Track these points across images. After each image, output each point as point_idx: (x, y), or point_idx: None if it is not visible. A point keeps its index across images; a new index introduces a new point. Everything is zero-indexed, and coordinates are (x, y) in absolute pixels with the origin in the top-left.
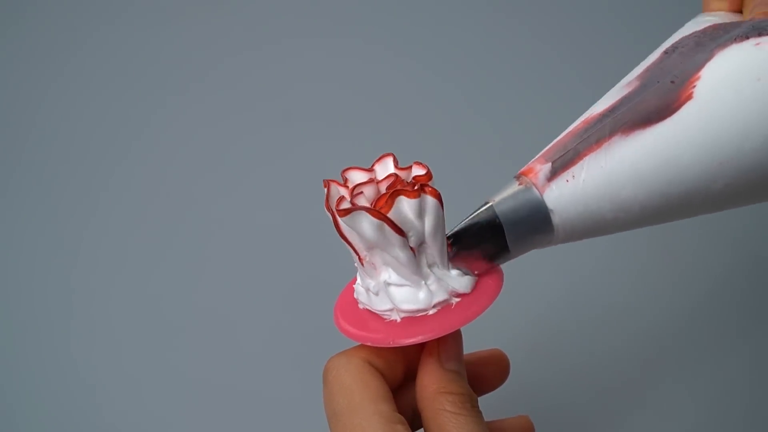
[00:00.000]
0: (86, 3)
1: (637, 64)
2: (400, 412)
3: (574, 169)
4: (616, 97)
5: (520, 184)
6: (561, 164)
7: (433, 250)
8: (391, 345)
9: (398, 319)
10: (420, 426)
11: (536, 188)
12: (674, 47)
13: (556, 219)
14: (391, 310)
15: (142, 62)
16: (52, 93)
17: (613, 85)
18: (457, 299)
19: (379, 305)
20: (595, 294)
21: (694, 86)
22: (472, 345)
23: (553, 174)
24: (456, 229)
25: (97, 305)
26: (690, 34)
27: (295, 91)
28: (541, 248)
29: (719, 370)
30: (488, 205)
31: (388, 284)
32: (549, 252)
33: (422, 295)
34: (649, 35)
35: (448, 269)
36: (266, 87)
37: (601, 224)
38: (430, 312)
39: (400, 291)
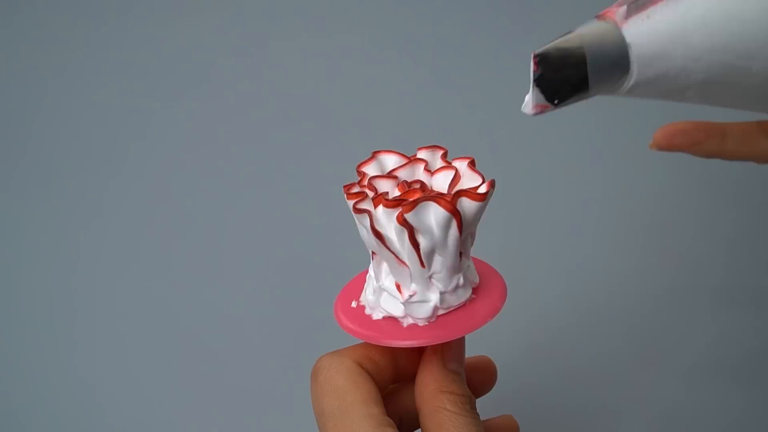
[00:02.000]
0: (86, 3)
1: None
2: (388, 416)
3: (650, 11)
4: None
5: (599, 19)
6: (636, 6)
7: (445, 259)
8: (395, 345)
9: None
10: (407, 429)
11: (617, 24)
12: None
13: (633, 55)
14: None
15: (142, 63)
16: (54, 93)
17: None
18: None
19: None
20: (587, 294)
21: None
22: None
23: (630, 13)
24: (541, 50)
25: (98, 305)
26: None
27: (296, 91)
28: (613, 93)
29: (718, 370)
30: (570, 36)
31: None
32: (545, 251)
33: (432, 302)
34: None
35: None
36: (268, 87)
37: (672, 72)
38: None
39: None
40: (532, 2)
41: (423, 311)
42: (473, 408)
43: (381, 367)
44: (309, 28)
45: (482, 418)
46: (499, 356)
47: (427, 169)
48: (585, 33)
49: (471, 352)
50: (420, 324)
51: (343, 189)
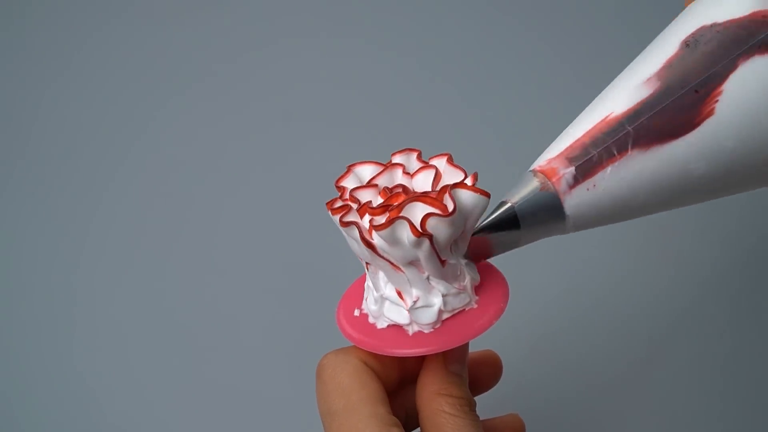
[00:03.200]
0: (86, 3)
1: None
2: (393, 414)
3: (596, 179)
4: (636, 98)
5: (542, 188)
6: (583, 172)
7: (429, 267)
8: (394, 354)
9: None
10: (412, 428)
11: (558, 194)
12: (695, 41)
13: (569, 222)
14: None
15: (142, 62)
16: (53, 93)
17: (606, 82)
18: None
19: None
20: (590, 293)
21: (717, 101)
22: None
23: (576, 182)
24: (475, 230)
25: (99, 306)
26: (710, 25)
27: (295, 90)
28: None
29: (716, 369)
30: (508, 206)
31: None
32: (545, 250)
33: (436, 306)
34: (648, 33)
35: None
36: (267, 87)
37: (609, 222)
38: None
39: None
40: (530, 1)
41: (428, 316)
42: (472, 410)
43: (386, 365)
44: (309, 28)
45: (488, 416)
46: (505, 355)
47: (405, 173)
48: (524, 205)
49: (475, 347)
50: (425, 331)
51: (326, 206)
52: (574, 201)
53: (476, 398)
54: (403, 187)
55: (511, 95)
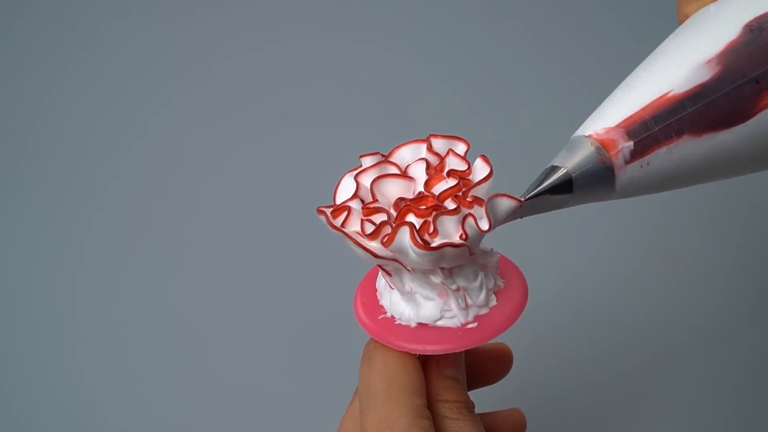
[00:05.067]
0: (87, 4)
1: (634, 62)
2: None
3: (651, 157)
4: (696, 79)
5: (599, 160)
6: (641, 149)
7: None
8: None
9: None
10: None
11: (614, 168)
12: (759, 27)
13: (615, 193)
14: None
15: (143, 63)
16: (55, 94)
17: (608, 84)
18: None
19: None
20: (593, 290)
21: None
22: None
23: (632, 158)
24: (531, 194)
25: (101, 305)
26: None
27: (296, 91)
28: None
29: (718, 368)
30: (564, 172)
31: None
32: (549, 249)
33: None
34: (648, 33)
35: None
36: (268, 88)
37: (649, 194)
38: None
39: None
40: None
41: (482, 297)
42: (471, 412)
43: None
44: (310, 29)
45: (489, 410)
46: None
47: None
48: (581, 176)
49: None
50: (482, 312)
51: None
52: (627, 176)
53: (479, 391)
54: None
55: (510, 95)
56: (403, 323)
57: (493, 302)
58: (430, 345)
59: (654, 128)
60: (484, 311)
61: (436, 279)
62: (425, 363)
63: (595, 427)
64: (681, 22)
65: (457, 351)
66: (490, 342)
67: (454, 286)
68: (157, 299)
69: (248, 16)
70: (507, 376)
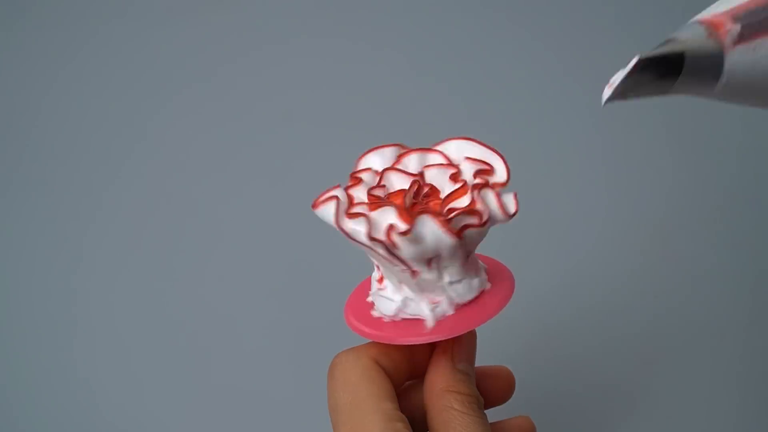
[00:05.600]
0: (87, 3)
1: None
2: (403, 413)
3: (758, 42)
4: None
5: (710, 35)
6: (748, 32)
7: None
8: (402, 343)
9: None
10: (420, 427)
11: (723, 47)
12: None
13: (722, 80)
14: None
15: (142, 64)
16: (54, 94)
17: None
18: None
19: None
20: (598, 295)
21: None
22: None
23: (740, 39)
24: (649, 55)
25: (98, 306)
26: None
27: (296, 92)
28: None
29: (716, 367)
30: (678, 45)
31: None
32: (552, 254)
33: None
34: (648, 34)
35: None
36: (268, 88)
37: (750, 98)
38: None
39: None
40: (530, 1)
41: (468, 290)
42: (480, 408)
43: (397, 363)
44: (310, 30)
45: (499, 418)
46: (516, 358)
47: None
48: (692, 49)
49: (488, 359)
50: (467, 300)
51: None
52: (735, 58)
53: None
54: (433, 187)
55: (511, 96)
56: (392, 318)
57: (486, 286)
58: (424, 336)
59: (762, 15)
60: (469, 298)
61: (427, 275)
62: (435, 358)
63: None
64: None
65: (451, 336)
66: (491, 365)
67: (442, 281)
68: (156, 300)
69: (248, 16)
70: (517, 383)
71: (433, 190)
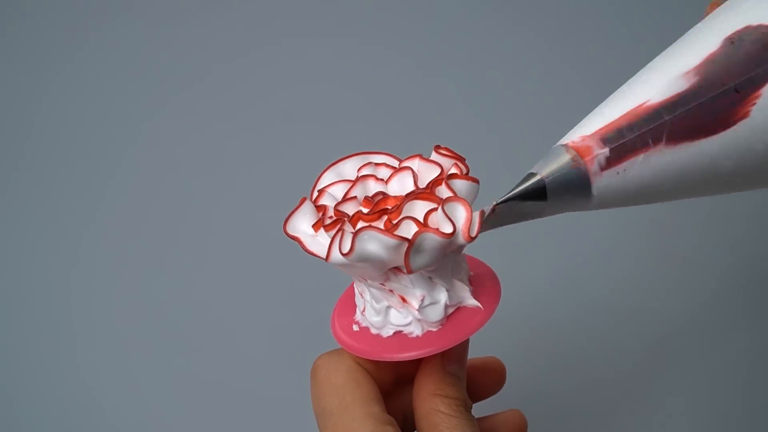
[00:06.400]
0: (86, 3)
1: (634, 62)
2: (396, 412)
3: (627, 164)
4: (674, 89)
5: (573, 165)
6: (616, 156)
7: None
8: (390, 360)
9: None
10: (409, 429)
11: (589, 175)
12: (740, 39)
13: (593, 202)
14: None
15: (141, 62)
16: (51, 93)
17: (606, 83)
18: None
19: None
20: (592, 290)
21: (754, 103)
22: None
23: (608, 164)
24: (502, 200)
25: (97, 306)
26: (756, 26)
27: (294, 91)
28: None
29: (715, 367)
30: (538, 178)
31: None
32: (545, 248)
33: (442, 301)
34: (649, 35)
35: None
36: (266, 87)
37: (631, 205)
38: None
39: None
40: (531, 2)
41: (436, 313)
42: (468, 411)
43: (380, 365)
44: (307, 28)
45: (489, 413)
46: (507, 353)
47: (379, 179)
48: (554, 181)
49: (479, 352)
50: (434, 329)
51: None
52: (603, 183)
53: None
54: (383, 193)
55: (509, 96)
56: (379, 333)
57: (470, 299)
58: (408, 351)
59: (630, 135)
60: (458, 308)
61: (418, 278)
62: (425, 360)
63: (596, 426)
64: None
65: (436, 353)
66: (482, 356)
67: (419, 292)
68: (153, 299)
69: (246, 15)
70: (509, 378)
71: (386, 197)
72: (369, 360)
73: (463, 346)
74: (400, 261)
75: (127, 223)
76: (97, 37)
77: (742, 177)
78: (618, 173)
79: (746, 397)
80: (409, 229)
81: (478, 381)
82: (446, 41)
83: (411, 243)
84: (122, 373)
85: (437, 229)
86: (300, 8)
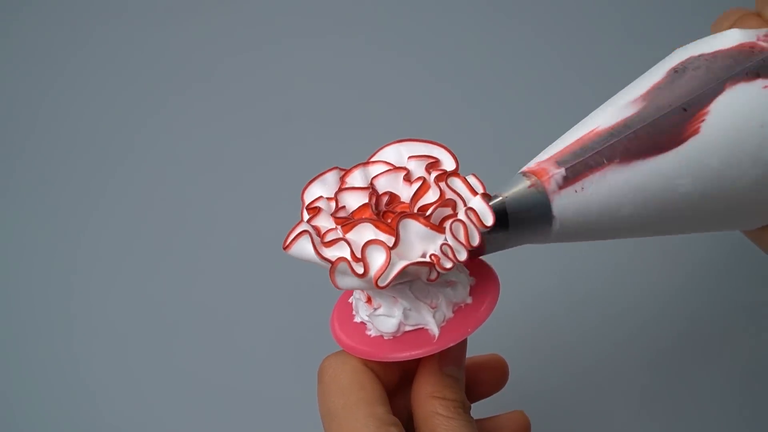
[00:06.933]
0: (86, 3)
1: (631, 64)
2: (395, 415)
3: (584, 182)
4: (623, 114)
5: (531, 186)
6: (573, 174)
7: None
8: (384, 360)
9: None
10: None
11: (547, 194)
12: (684, 67)
13: (556, 225)
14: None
15: (141, 62)
16: (51, 93)
17: (606, 85)
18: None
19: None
20: (593, 290)
21: (703, 120)
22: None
23: (565, 182)
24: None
25: (96, 306)
26: (699, 56)
27: (295, 90)
28: (526, 245)
29: (714, 366)
30: (499, 199)
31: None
32: (545, 250)
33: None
34: (649, 36)
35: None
36: (266, 87)
37: (594, 234)
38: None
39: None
40: (532, 2)
41: (386, 325)
42: (466, 412)
43: (387, 366)
44: (308, 28)
45: (491, 413)
46: (509, 354)
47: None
48: (514, 201)
49: (481, 351)
50: (385, 338)
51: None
52: (562, 201)
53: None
54: (390, 193)
55: (509, 96)
56: (377, 334)
57: (468, 300)
58: (408, 351)
59: (582, 156)
60: (457, 308)
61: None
62: (423, 362)
63: (599, 427)
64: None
65: (434, 353)
66: (484, 354)
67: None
68: (153, 299)
69: (247, 16)
70: (511, 378)
71: (393, 197)
72: (375, 361)
73: (460, 347)
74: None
75: (126, 223)
76: (97, 37)
77: (706, 198)
78: (576, 191)
79: (748, 397)
80: (342, 250)
81: (480, 378)
82: (447, 41)
83: (332, 266)
84: (122, 373)
85: (350, 263)
86: (300, 8)
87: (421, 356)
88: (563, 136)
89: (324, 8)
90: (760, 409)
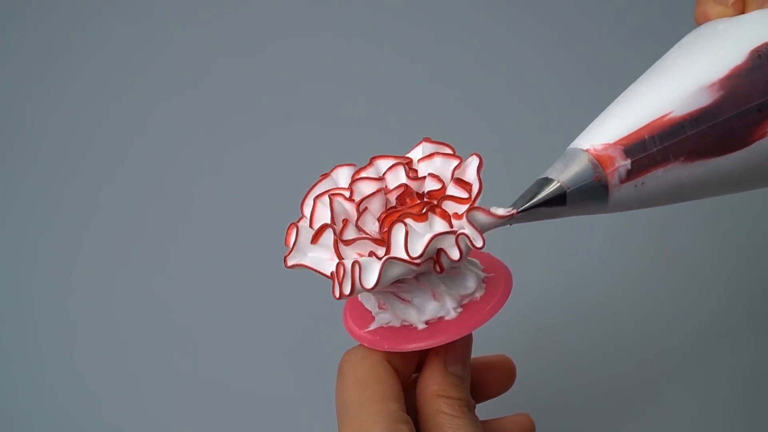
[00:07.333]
0: (86, 3)
1: (631, 64)
2: (408, 410)
3: (646, 178)
4: (698, 102)
5: (595, 177)
6: (637, 168)
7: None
8: (391, 350)
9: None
10: None
11: (609, 187)
12: (766, 52)
13: (607, 210)
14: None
15: (141, 63)
16: (52, 94)
17: (607, 85)
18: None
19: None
20: (598, 292)
21: None
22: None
23: (628, 177)
24: (525, 207)
25: (97, 306)
26: None
27: (296, 91)
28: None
29: (715, 366)
30: (558, 185)
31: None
32: (551, 251)
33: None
34: (649, 37)
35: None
36: (267, 87)
37: (643, 206)
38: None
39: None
40: (533, 3)
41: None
42: (471, 411)
43: (407, 360)
44: (309, 28)
45: (497, 414)
46: (514, 354)
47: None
48: (575, 191)
49: (487, 352)
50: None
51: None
52: (620, 194)
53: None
54: (406, 186)
55: (512, 97)
56: (390, 324)
57: (480, 293)
58: (414, 343)
59: (652, 149)
60: (467, 303)
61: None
62: (428, 360)
63: (603, 429)
64: (698, 20)
65: (445, 343)
66: (491, 354)
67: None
68: (154, 298)
69: (247, 16)
70: (516, 380)
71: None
72: (397, 356)
73: (466, 346)
74: None
75: (127, 223)
76: (97, 37)
77: (748, 183)
78: (636, 186)
79: (750, 397)
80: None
81: (487, 379)
82: (448, 41)
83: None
84: (122, 373)
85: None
86: (300, 9)
87: (429, 347)
88: (626, 103)
89: (324, 9)
90: (761, 409)
